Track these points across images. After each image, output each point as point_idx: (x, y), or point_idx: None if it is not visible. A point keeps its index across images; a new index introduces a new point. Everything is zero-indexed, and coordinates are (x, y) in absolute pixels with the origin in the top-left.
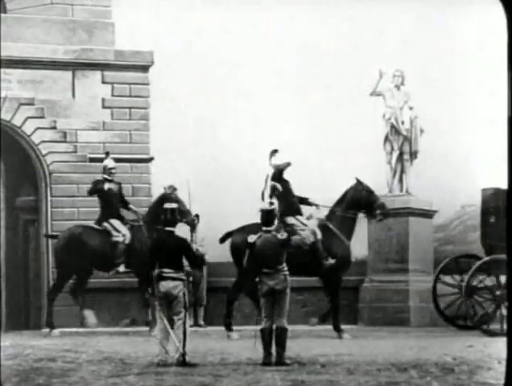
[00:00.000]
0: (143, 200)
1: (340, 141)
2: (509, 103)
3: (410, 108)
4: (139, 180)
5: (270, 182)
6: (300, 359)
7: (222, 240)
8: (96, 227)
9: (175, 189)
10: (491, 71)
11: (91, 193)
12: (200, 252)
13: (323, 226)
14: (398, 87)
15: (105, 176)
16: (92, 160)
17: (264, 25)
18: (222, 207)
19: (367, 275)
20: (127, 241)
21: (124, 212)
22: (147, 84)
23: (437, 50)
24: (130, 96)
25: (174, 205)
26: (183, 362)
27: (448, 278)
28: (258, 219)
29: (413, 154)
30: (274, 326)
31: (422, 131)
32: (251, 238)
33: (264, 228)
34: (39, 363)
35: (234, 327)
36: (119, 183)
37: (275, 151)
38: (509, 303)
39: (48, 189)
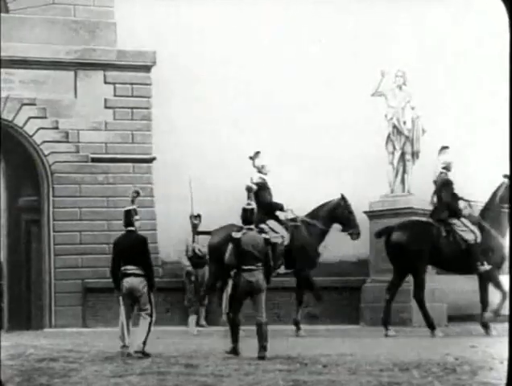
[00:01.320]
0: (145, 200)
1: (340, 142)
2: (510, 101)
3: (412, 109)
4: (141, 180)
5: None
6: (302, 359)
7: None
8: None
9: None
10: (492, 70)
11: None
12: (202, 252)
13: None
14: (399, 87)
15: (261, 175)
16: (94, 160)
17: (265, 25)
18: (223, 208)
19: (369, 275)
20: (286, 242)
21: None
22: (149, 84)
23: (438, 49)
24: (132, 96)
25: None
26: (142, 351)
27: None
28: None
29: (415, 154)
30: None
31: (424, 131)
32: (236, 234)
33: (246, 226)
34: (40, 363)
35: None
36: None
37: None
38: (510, 303)
39: (50, 189)
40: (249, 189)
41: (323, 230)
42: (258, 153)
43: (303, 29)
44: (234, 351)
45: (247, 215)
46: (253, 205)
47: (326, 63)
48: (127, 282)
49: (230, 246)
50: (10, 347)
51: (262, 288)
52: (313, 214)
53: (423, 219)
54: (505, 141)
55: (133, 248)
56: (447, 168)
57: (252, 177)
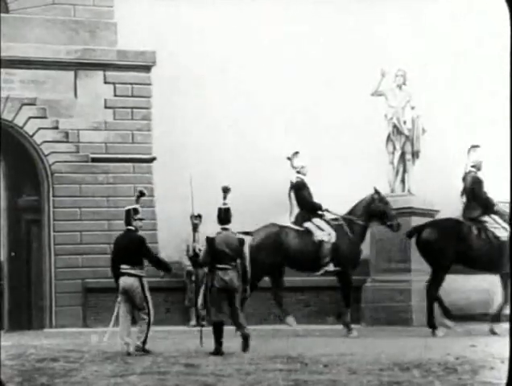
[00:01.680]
0: (145, 200)
1: (340, 141)
2: (511, 101)
3: (412, 108)
4: (141, 180)
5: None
6: (302, 359)
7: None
8: (294, 227)
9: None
10: (492, 70)
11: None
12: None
13: None
14: (399, 86)
15: (300, 175)
16: (94, 160)
17: (265, 25)
18: None
19: (370, 274)
20: (333, 240)
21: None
22: (149, 84)
23: (438, 49)
24: (133, 96)
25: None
26: (142, 349)
27: None
28: (266, 220)
29: (415, 154)
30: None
31: (424, 131)
32: (211, 234)
33: (221, 226)
34: (41, 363)
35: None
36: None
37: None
38: (511, 303)
39: (50, 189)
40: (224, 189)
41: (363, 227)
42: (296, 153)
43: (303, 29)
44: (218, 352)
45: (222, 215)
46: (229, 205)
47: (326, 63)
48: (123, 281)
49: (206, 246)
50: (10, 347)
51: (236, 286)
52: (352, 212)
53: (455, 217)
54: (506, 141)
55: (128, 248)
56: (476, 166)
57: (291, 177)
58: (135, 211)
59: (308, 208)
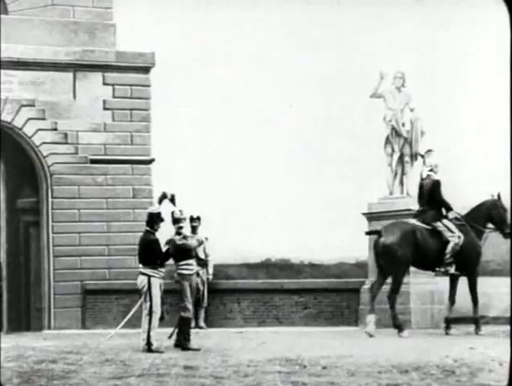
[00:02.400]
0: (144, 202)
1: (339, 143)
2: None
3: (411, 110)
4: (140, 182)
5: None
6: (301, 361)
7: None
8: (425, 226)
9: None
10: (491, 72)
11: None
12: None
13: None
14: (398, 88)
15: (431, 173)
16: (93, 161)
17: (264, 26)
18: (224, 208)
19: (368, 277)
20: (461, 243)
21: None
22: (148, 86)
23: (438, 51)
24: (131, 97)
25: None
26: (148, 349)
27: None
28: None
29: (413, 156)
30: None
31: (423, 133)
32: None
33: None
34: (40, 364)
35: (235, 329)
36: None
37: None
38: (511, 304)
39: (49, 190)
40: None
41: (481, 231)
42: (429, 151)
43: (302, 31)
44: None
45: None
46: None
47: (325, 66)
48: (138, 280)
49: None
50: (9, 349)
51: None
52: (472, 214)
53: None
54: (506, 141)
55: (139, 248)
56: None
57: (422, 174)
58: (158, 215)
59: (444, 207)
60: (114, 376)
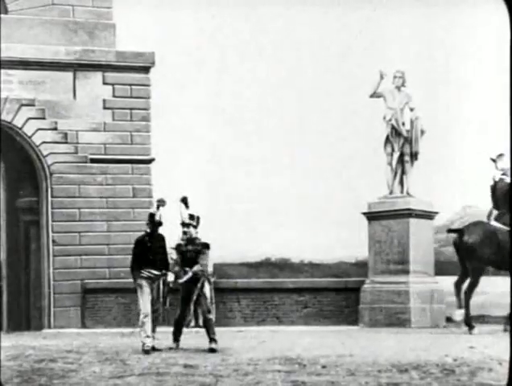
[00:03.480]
0: (144, 201)
1: (339, 143)
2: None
3: (411, 110)
4: (140, 181)
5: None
6: (301, 360)
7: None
8: (503, 227)
9: None
10: (492, 71)
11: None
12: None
13: None
14: (398, 88)
15: (504, 177)
16: (93, 161)
17: (264, 27)
18: (224, 208)
19: (368, 276)
20: None
21: None
22: (148, 85)
23: (438, 50)
24: (131, 97)
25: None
26: (152, 348)
27: None
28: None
29: (413, 155)
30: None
31: (422, 132)
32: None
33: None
34: (40, 363)
35: (234, 328)
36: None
37: (501, 155)
38: (511, 303)
39: (49, 190)
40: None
41: None
42: (501, 155)
43: (302, 32)
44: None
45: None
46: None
47: (325, 65)
48: None
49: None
50: (9, 348)
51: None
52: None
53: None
54: (506, 141)
55: None
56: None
57: (494, 178)
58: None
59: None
60: (114, 375)
